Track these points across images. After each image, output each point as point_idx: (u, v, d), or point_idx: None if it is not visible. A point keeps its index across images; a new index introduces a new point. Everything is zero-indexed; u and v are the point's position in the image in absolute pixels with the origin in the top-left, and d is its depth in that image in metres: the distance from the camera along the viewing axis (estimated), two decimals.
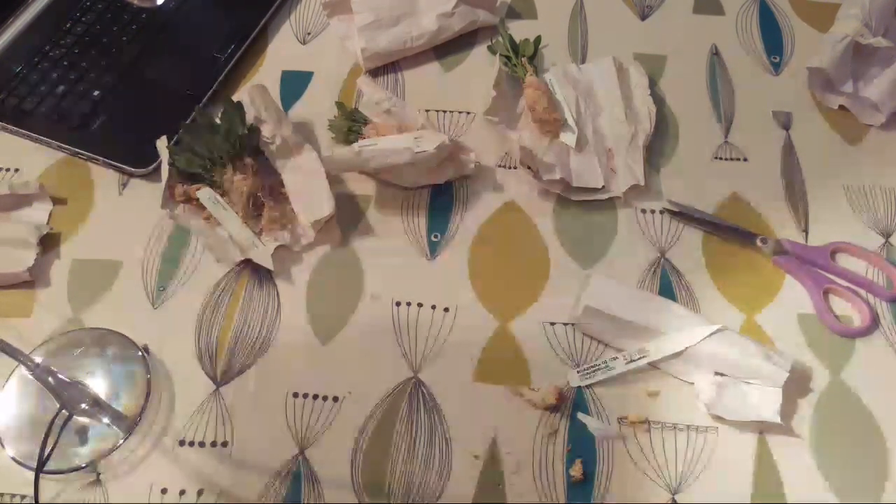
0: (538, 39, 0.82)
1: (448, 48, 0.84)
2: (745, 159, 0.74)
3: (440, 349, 0.64)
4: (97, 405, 0.60)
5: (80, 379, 0.61)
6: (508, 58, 0.80)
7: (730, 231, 0.69)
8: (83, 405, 0.59)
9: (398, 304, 0.66)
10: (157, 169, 0.74)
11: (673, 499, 0.57)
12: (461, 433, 0.60)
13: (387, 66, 0.82)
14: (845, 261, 0.68)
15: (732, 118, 0.77)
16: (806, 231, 0.70)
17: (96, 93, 0.78)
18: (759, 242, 0.68)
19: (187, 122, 0.75)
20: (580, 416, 0.60)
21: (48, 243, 0.70)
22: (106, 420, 0.60)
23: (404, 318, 0.66)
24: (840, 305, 0.65)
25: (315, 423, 0.61)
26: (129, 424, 0.59)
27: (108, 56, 0.81)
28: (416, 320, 0.65)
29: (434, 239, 0.70)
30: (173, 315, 0.66)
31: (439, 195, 0.73)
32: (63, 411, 0.58)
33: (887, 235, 0.69)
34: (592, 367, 0.62)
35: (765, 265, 0.68)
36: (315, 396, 0.62)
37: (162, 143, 0.71)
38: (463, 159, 0.73)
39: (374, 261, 0.69)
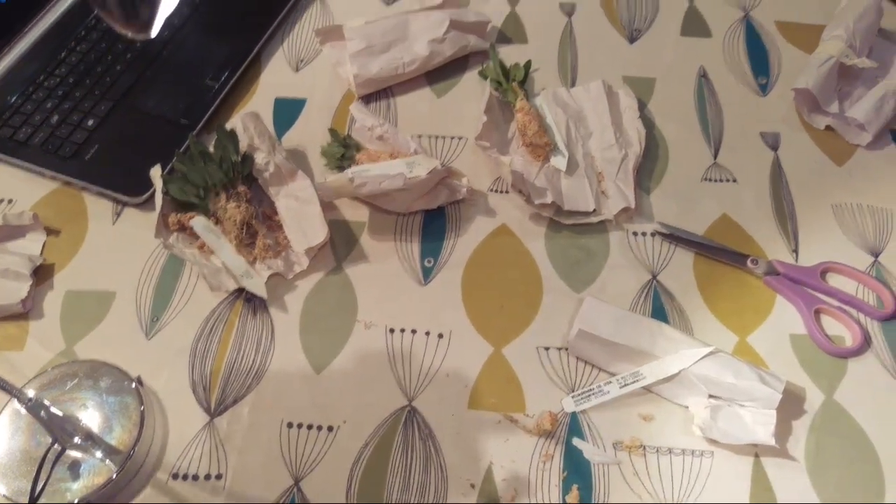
0: (528, 64, 0.83)
1: (439, 74, 0.84)
2: (735, 180, 0.75)
3: (434, 376, 0.64)
4: (90, 439, 0.59)
5: (73, 412, 0.60)
6: (499, 83, 0.81)
7: (721, 252, 0.69)
8: (76, 439, 0.59)
9: (392, 330, 0.66)
10: (151, 198, 0.74)
11: None
12: (456, 461, 0.60)
13: (379, 93, 0.83)
14: (836, 280, 0.68)
15: (721, 139, 0.78)
16: (796, 251, 0.70)
17: (90, 122, 0.78)
18: (749, 263, 0.68)
19: (181, 150, 0.75)
20: (575, 441, 0.60)
21: (42, 274, 0.70)
22: (99, 454, 0.59)
23: (398, 345, 0.66)
24: (831, 325, 0.66)
25: (310, 453, 0.61)
26: (122, 458, 0.59)
27: (102, 85, 0.81)
28: (409, 347, 0.66)
29: (427, 264, 0.70)
30: (167, 345, 0.66)
31: (432, 220, 0.73)
32: (55, 446, 0.57)
33: (876, 254, 0.69)
34: (587, 391, 0.62)
35: (756, 286, 0.68)
36: (310, 426, 0.62)
37: (156, 172, 0.72)
38: (455, 184, 0.73)
39: (367, 287, 0.69)
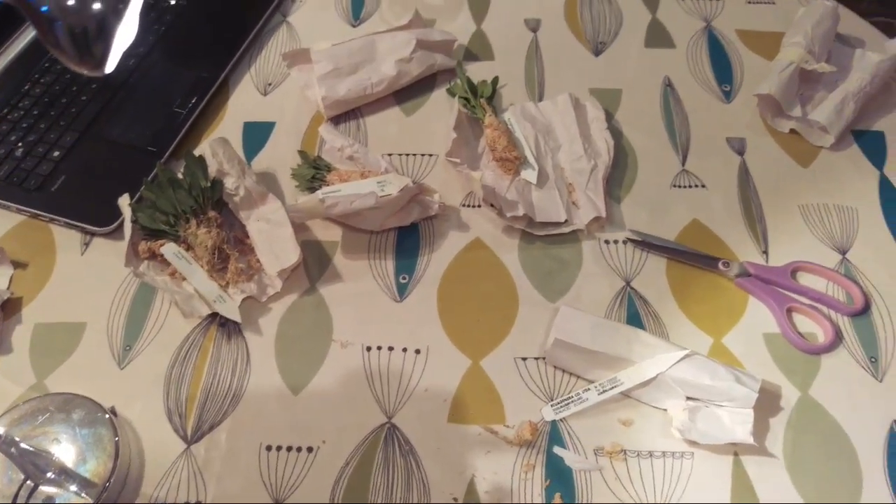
0: (496, 80, 0.84)
1: (408, 93, 0.85)
2: (704, 186, 0.76)
3: (413, 392, 0.64)
4: (64, 473, 0.58)
5: (45, 446, 0.59)
6: (467, 99, 0.81)
7: (692, 257, 0.70)
8: (49, 474, 0.57)
9: (368, 348, 0.66)
10: (120, 227, 0.73)
11: None
12: (438, 476, 0.59)
13: (348, 113, 0.83)
14: (806, 279, 0.69)
15: (688, 146, 0.79)
16: (766, 252, 0.71)
17: (56, 153, 0.78)
18: (721, 266, 0.69)
19: (149, 178, 0.75)
20: (556, 449, 0.60)
21: (9, 308, 0.69)
22: (74, 487, 0.58)
23: (375, 363, 0.65)
24: (804, 323, 0.66)
25: (290, 475, 0.60)
26: (97, 491, 0.58)
27: (67, 116, 0.81)
28: (387, 364, 0.65)
29: (402, 281, 0.70)
30: (141, 374, 0.65)
31: (406, 237, 0.73)
32: (28, 482, 0.56)
33: (844, 252, 0.70)
34: (565, 399, 0.62)
35: (728, 288, 0.69)
36: (289, 448, 0.61)
37: (124, 201, 0.71)
38: (427, 200, 0.73)
39: (342, 307, 0.69)
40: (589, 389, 0.62)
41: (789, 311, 0.66)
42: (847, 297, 0.68)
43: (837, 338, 0.65)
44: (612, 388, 0.61)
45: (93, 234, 0.74)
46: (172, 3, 0.92)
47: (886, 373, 0.63)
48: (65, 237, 0.74)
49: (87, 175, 0.77)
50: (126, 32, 0.45)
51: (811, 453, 0.59)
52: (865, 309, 0.67)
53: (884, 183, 0.75)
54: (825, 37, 0.82)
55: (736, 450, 0.59)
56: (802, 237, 0.72)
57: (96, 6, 0.43)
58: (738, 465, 0.59)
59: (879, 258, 0.70)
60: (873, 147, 0.78)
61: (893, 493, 0.57)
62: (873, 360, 0.64)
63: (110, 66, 0.45)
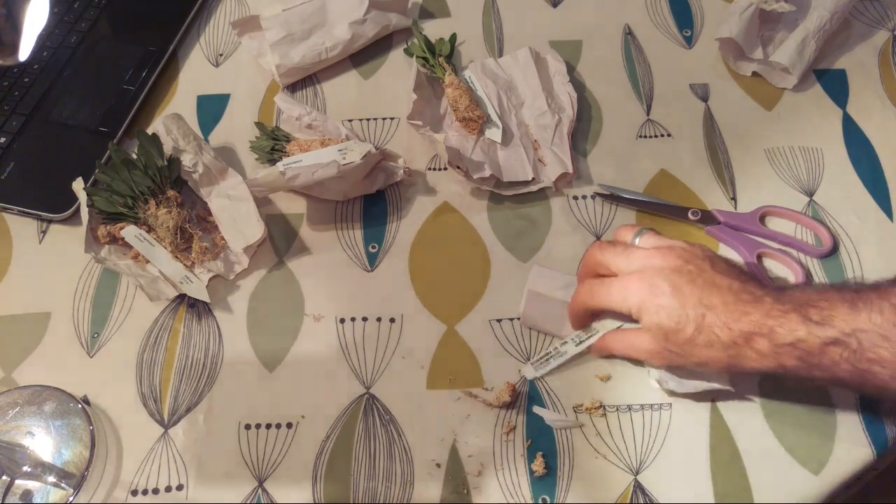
0: (453, 37, 0.82)
1: (364, 55, 0.83)
2: (669, 135, 0.75)
3: (390, 361, 0.63)
4: (40, 466, 0.57)
5: (18, 441, 0.58)
6: (426, 59, 0.79)
7: (661, 208, 0.70)
8: (25, 468, 0.57)
9: (342, 320, 0.65)
10: (77, 212, 0.71)
11: (635, 479, 0.57)
12: (420, 443, 0.59)
13: (304, 80, 0.81)
14: (774, 224, 0.69)
15: (652, 95, 0.78)
16: (734, 199, 0.71)
17: (2, 139, 0.75)
18: (690, 215, 0.69)
19: (103, 160, 0.72)
20: (536, 409, 0.60)
21: None
22: (51, 479, 0.57)
23: (350, 335, 0.65)
24: (774, 268, 0.67)
25: (271, 452, 0.60)
26: (76, 482, 0.57)
27: (10, 100, 0.77)
28: (362, 335, 0.65)
29: (372, 250, 0.69)
30: (111, 361, 0.64)
31: (372, 205, 0.72)
32: (3, 477, 0.55)
33: (811, 194, 0.71)
34: (545, 355, 0.62)
35: (699, 237, 0.69)
36: (268, 425, 0.61)
37: (78, 185, 0.69)
38: (391, 166, 0.72)
39: (312, 280, 0.68)
40: (566, 343, 0.62)
41: (759, 256, 0.67)
42: (816, 240, 0.68)
43: (807, 280, 0.65)
44: (590, 336, 0.61)
45: (49, 222, 0.72)
46: None
47: None
48: (20, 226, 0.72)
49: (37, 160, 0.74)
50: (37, 16, 0.42)
51: (786, 395, 0.60)
52: (834, 250, 0.67)
53: (847, 122, 0.75)
54: None
55: (713, 397, 0.60)
56: (769, 181, 0.72)
57: None
58: (716, 413, 0.60)
59: (846, 198, 0.70)
60: (835, 86, 0.78)
61: (867, 432, 0.58)
62: None
63: (24, 52, 0.42)
